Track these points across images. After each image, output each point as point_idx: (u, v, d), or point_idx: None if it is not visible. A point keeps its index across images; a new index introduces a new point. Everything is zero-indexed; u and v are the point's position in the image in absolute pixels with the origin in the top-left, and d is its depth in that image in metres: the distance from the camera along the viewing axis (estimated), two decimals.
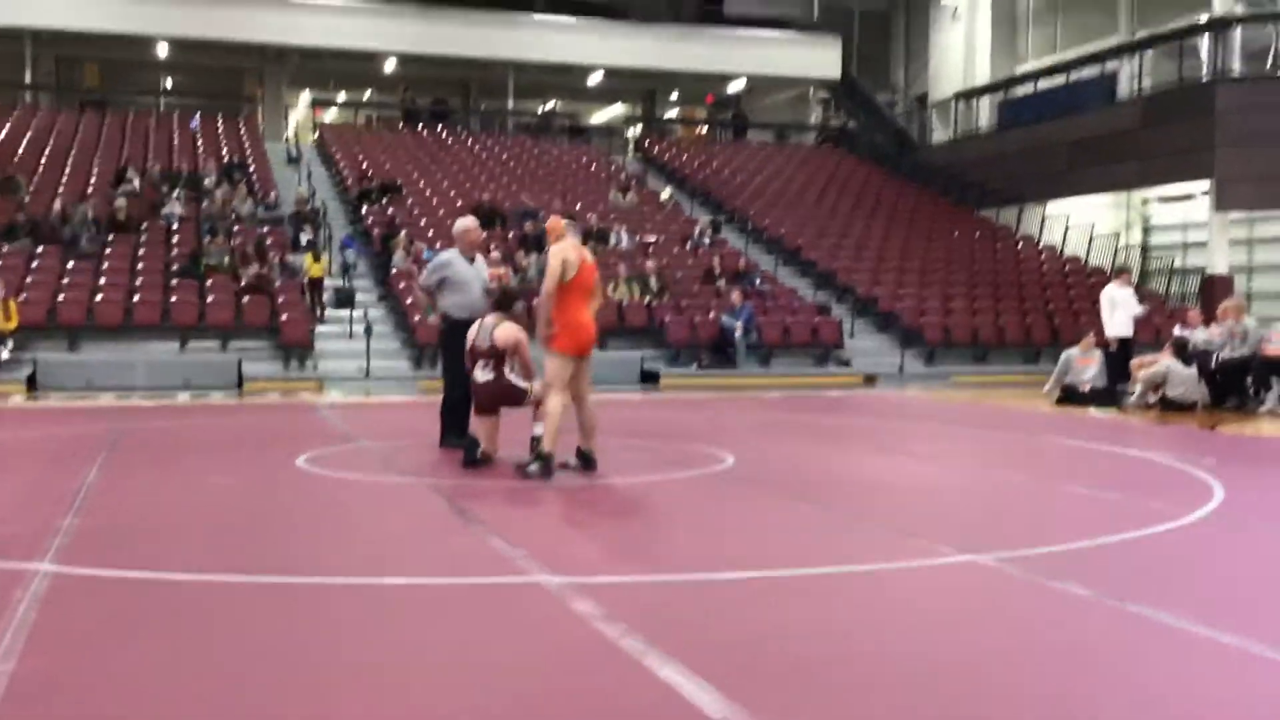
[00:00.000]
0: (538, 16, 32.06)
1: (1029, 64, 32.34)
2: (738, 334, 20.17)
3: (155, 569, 5.08)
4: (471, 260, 9.39)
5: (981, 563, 5.26)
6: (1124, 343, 15.54)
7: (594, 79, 34.18)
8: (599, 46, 32.31)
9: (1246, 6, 26.44)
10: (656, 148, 32.13)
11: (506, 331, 8.11)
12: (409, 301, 19.39)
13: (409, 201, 24.47)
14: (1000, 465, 9.34)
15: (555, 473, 7.78)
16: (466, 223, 9.63)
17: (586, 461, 8.08)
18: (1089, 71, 27.52)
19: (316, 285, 20.29)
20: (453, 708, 3.35)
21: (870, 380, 20.18)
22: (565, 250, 7.83)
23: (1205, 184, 23.72)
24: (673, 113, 38.66)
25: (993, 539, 5.79)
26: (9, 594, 4.53)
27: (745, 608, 4.55)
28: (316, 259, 20.43)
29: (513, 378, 8.20)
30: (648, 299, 21.01)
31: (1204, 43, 24.75)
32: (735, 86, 35.66)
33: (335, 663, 3.77)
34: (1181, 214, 27.26)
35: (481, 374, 8.23)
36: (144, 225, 21.29)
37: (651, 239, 24.07)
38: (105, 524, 6.28)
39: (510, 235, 22.59)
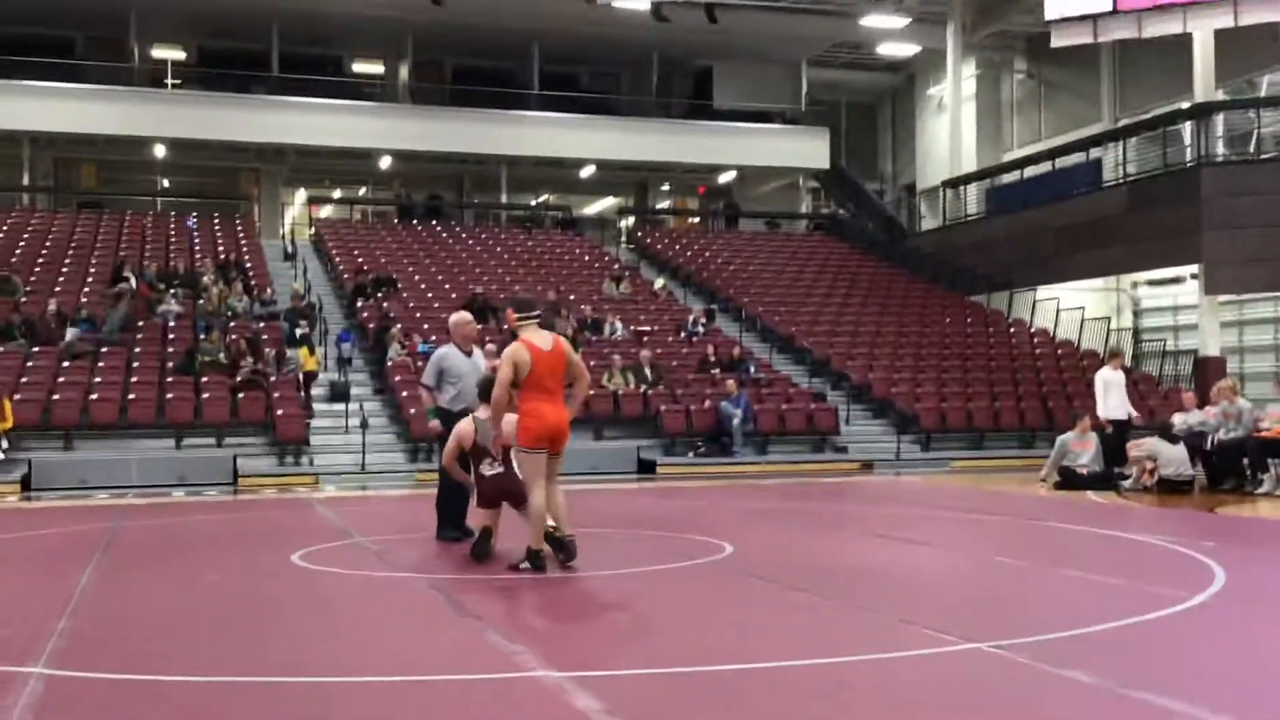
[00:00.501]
0: (530, 113, 32.57)
1: (1015, 152, 32.89)
2: (735, 422, 20.19)
3: (150, 672, 5.03)
4: (469, 354, 9.48)
5: (984, 651, 5.22)
6: (1119, 425, 15.55)
7: (586, 172, 34.63)
8: (591, 141, 32.79)
9: (1227, 92, 26.95)
10: (649, 238, 32.45)
11: (509, 424, 8.07)
12: (404, 395, 19.42)
13: (404, 295, 24.62)
14: (1000, 551, 9.29)
15: (547, 568, 7.72)
16: (460, 316, 9.78)
17: (563, 548, 7.81)
18: (1074, 158, 27.94)
19: (309, 379, 20.34)
20: None
21: (867, 466, 20.16)
22: (516, 351, 7.74)
23: (1194, 268, 23.93)
24: (665, 203, 39.10)
25: (995, 626, 5.75)
26: (2, 699, 4.48)
27: (747, 701, 4.50)
28: (311, 352, 20.50)
29: (519, 472, 8.15)
30: (643, 388, 21.06)
31: (1187, 128, 25.17)
32: (726, 177, 36.13)
33: None
34: (1171, 297, 27.53)
35: (489, 469, 8.22)
36: (140, 324, 21.39)
37: (646, 328, 24.19)
38: (100, 626, 6.23)
39: (504, 328, 22.69)
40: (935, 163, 34.96)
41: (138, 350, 20.49)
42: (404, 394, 19.49)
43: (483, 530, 8.30)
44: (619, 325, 23.81)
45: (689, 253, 30.82)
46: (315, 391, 20.41)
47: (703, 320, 25.12)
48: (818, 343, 24.81)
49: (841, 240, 33.55)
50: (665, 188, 38.21)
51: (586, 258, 29.61)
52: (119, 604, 6.98)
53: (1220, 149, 24.77)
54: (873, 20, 31.71)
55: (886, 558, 9.01)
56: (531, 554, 7.72)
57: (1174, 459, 14.02)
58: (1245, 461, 14.19)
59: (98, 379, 19.23)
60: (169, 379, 19.47)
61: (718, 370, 22.27)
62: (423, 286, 25.51)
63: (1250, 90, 27.28)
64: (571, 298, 24.84)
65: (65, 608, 6.55)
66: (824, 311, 27.02)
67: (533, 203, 35.83)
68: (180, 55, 33.03)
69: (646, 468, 19.51)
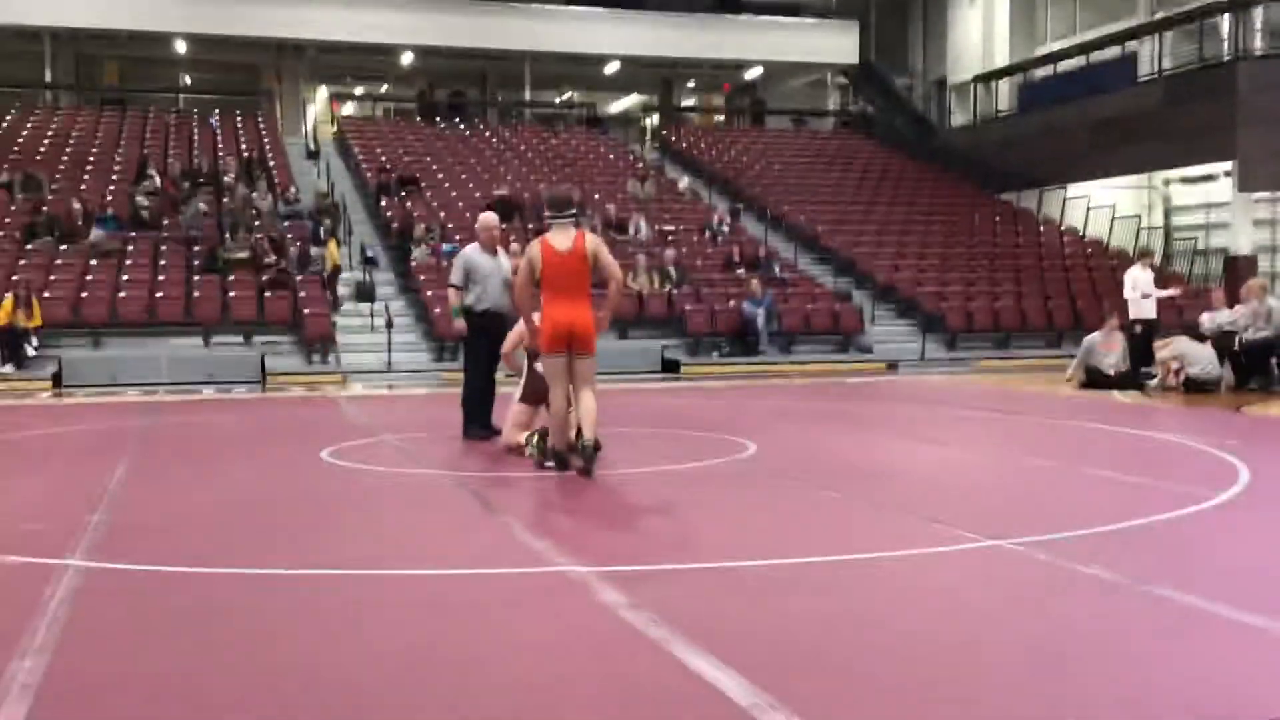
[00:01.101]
0: (554, 7, 32.03)
1: (1048, 46, 32.13)
2: (759, 322, 20.16)
3: (185, 564, 5.12)
4: (494, 254, 9.50)
5: (1007, 548, 5.25)
6: (1147, 325, 15.43)
7: (611, 68, 34.14)
8: (615, 36, 32.27)
9: None
10: (674, 137, 32.09)
11: (519, 331, 8.18)
12: (429, 294, 19.45)
13: (428, 195, 24.51)
14: (1024, 450, 9.31)
15: (571, 467, 7.68)
16: (486, 218, 9.80)
17: (584, 454, 7.56)
18: (1109, 53, 27.33)
19: (334, 276, 20.39)
20: (482, 694, 3.37)
21: (892, 367, 20.15)
22: (530, 249, 7.71)
23: (1228, 165, 23.52)
24: (690, 101, 38.58)
25: (1018, 524, 5.78)
26: (40, 589, 4.58)
27: (771, 596, 4.56)
28: (338, 247, 20.54)
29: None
30: (668, 288, 21.01)
31: (1224, 22, 24.54)
32: (752, 73, 35.56)
33: (367, 652, 3.80)
34: (1204, 195, 27.07)
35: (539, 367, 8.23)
36: (165, 222, 21.42)
37: (670, 228, 24.05)
38: (134, 519, 6.34)
39: (529, 227, 22.60)
40: (966, 57, 34.25)
41: (164, 249, 20.55)
42: (428, 294, 19.52)
43: (540, 431, 8.31)
44: (644, 225, 23.68)
45: (714, 151, 30.49)
46: (341, 291, 20.47)
47: (727, 220, 24.95)
48: (844, 242, 24.63)
49: (869, 138, 33.10)
50: (690, 85, 37.65)
51: (611, 157, 29.35)
52: (153, 499, 7.10)
53: (1258, 43, 24.16)
54: None
55: (911, 457, 9.05)
56: (555, 454, 7.76)
57: (1201, 358, 13.94)
58: (1273, 361, 14.10)
59: (125, 277, 19.34)
60: (195, 277, 19.55)
61: (742, 270, 22.17)
62: (446, 186, 25.39)
63: None
64: (596, 197, 24.68)
65: (99, 503, 6.66)
66: (850, 211, 26.77)
67: (557, 100, 35.40)
68: None
69: (671, 367, 19.57)
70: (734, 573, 4.93)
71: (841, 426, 11.46)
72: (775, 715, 3.11)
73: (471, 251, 9.52)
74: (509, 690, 3.44)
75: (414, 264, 20.91)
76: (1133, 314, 15.50)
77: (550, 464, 7.80)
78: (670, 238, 23.40)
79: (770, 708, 3.16)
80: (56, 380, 17.00)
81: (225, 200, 22.78)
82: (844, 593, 4.61)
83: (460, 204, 23.76)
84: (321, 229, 21.86)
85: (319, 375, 18.04)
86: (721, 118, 37.35)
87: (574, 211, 7.98)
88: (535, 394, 8.34)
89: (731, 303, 20.69)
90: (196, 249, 20.56)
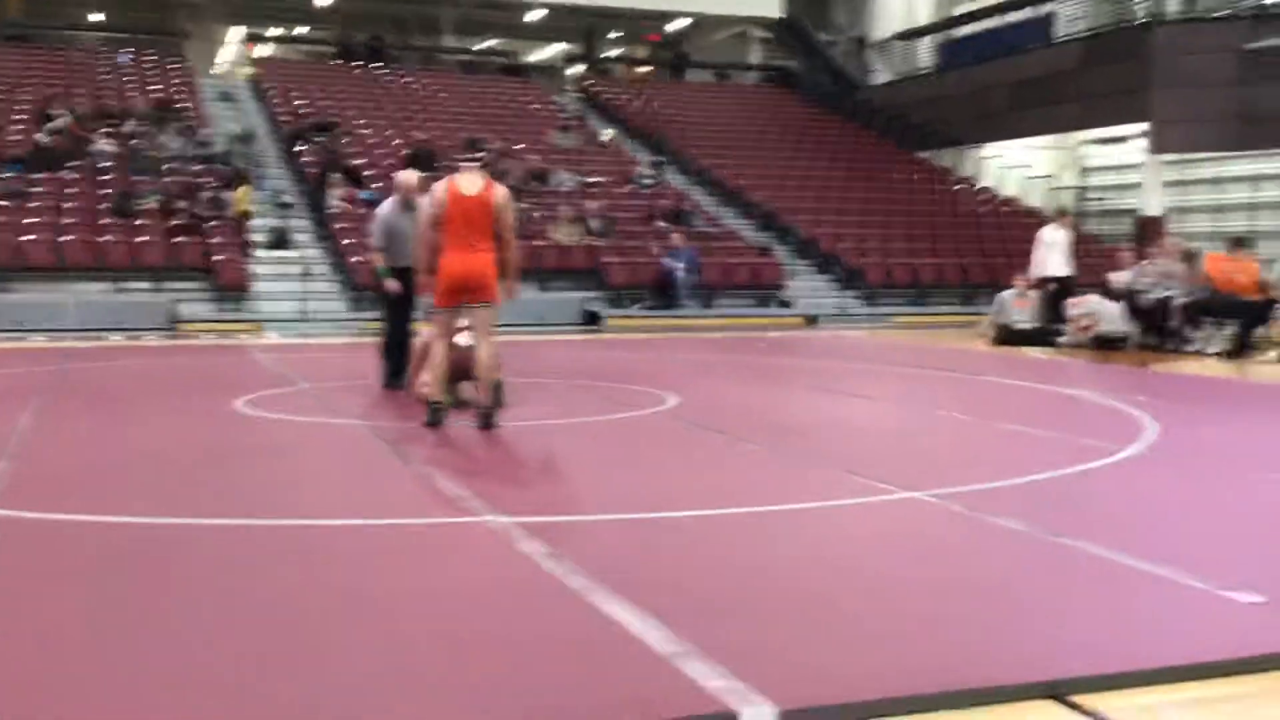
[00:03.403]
0: None
1: (968, 4, 32.37)
2: (680, 275, 20.18)
3: (93, 513, 5.01)
4: (411, 210, 9.48)
5: (922, 499, 5.34)
6: (1060, 283, 15.73)
7: (533, 16, 33.72)
8: None
9: None
10: (597, 87, 31.84)
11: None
12: (344, 243, 19.16)
13: (344, 140, 24.07)
14: (939, 404, 9.46)
15: (441, 419, 7.47)
16: (403, 177, 9.82)
17: (478, 413, 7.46)
18: (1027, 12, 27.61)
19: (241, 222, 19.95)
20: (401, 644, 3.35)
21: (811, 321, 20.32)
22: (436, 187, 7.52)
23: (1141, 126, 23.96)
24: (614, 52, 38.27)
25: (932, 476, 5.87)
26: None
27: (690, 545, 4.59)
28: (250, 191, 20.11)
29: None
30: (589, 240, 20.91)
31: None
32: (676, 25, 35.35)
33: (280, 604, 3.75)
34: (1116, 156, 27.59)
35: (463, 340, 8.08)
36: (72, 163, 20.78)
37: (593, 180, 23.92)
38: (41, 468, 6.18)
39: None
40: (888, 14, 34.40)
41: (70, 191, 19.95)
42: (344, 242, 19.23)
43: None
44: (565, 176, 23.51)
45: (637, 103, 30.32)
46: (256, 238, 20.07)
47: (650, 172, 24.87)
48: (765, 197, 24.70)
49: (792, 93, 33.14)
50: (614, 35, 37.34)
51: (534, 106, 29.03)
52: (59, 446, 6.93)
53: (1173, 6, 24.57)
54: None
55: (830, 411, 9.14)
56: (430, 404, 7.52)
57: (1111, 316, 14.25)
58: (1179, 320, 14.45)
59: (30, 220, 18.74)
60: (103, 221, 19.02)
61: (664, 223, 22.15)
62: (365, 132, 24.95)
63: None
64: (517, 147, 24.43)
65: (3, 450, 6.48)
66: (772, 165, 26.84)
67: (477, 48, 34.91)
68: None
69: (592, 320, 19.52)
70: (654, 523, 4.95)
71: (761, 380, 11.54)
72: (696, 663, 3.13)
73: (388, 212, 9.52)
74: (429, 641, 3.42)
75: (330, 211, 20.54)
76: (1043, 271, 15.78)
77: (427, 418, 7.48)
78: (592, 189, 23.27)
79: (690, 656, 3.18)
80: None
81: (134, 142, 22.15)
82: (765, 543, 4.65)
83: (378, 150, 23.37)
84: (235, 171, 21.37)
85: (233, 323, 17.70)
86: (646, 69, 37.11)
87: (482, 155, 7.88)
88: (453, 372, 8.20)
89: (653, 255, 20.68)
90: (105, 192, 19.99)
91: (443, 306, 7.48)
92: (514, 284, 7.68)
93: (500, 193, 7.52)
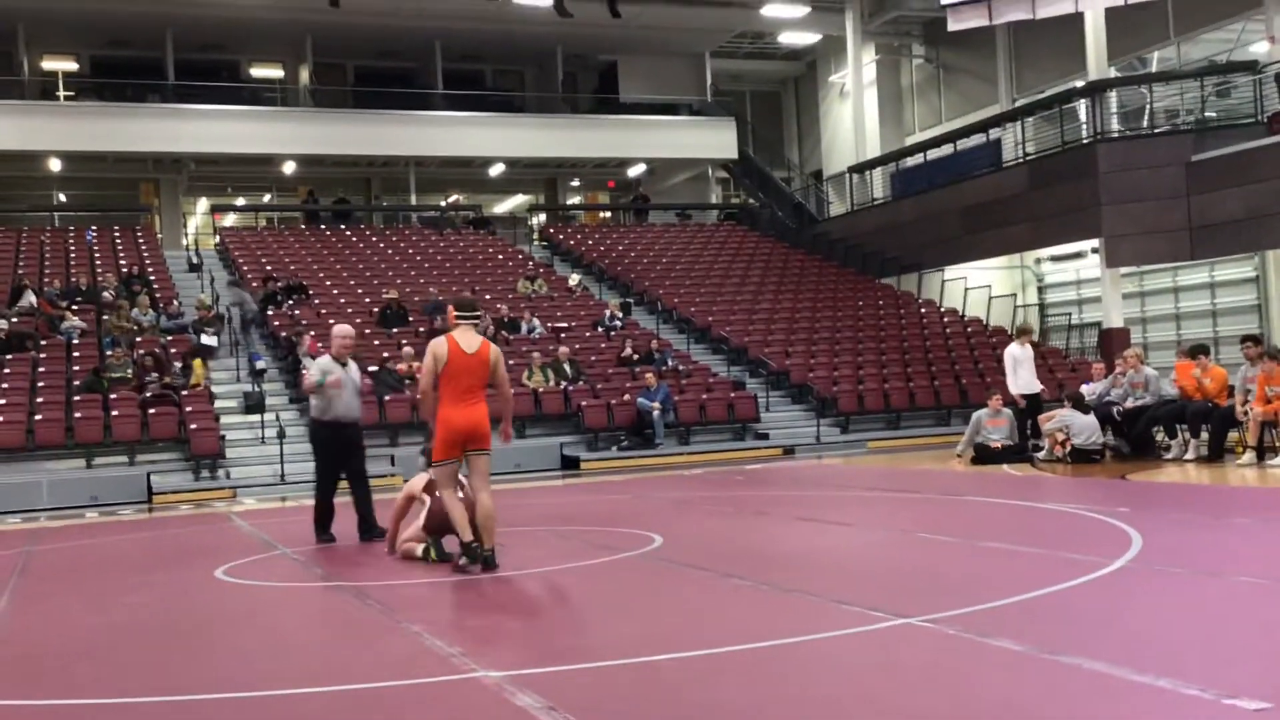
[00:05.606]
0: (435, 113, 32.27)
1: (917, 135, 33.37)
2: (655, 414, 20.25)
3: (73, 696, 4.90)
4: (344, 365, 9.71)
5: (917, 625, 5.30)
6: (1031, 399, 15.89)
7: (495, 170, 34.44)
8: (498, 139, 32.61)
9: (1119, 69, 27.63)
10: (561, 234, 32.38)
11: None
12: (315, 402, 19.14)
13: (315, 302, 24.27)
14: (922, 527, 9.44)
15: (486, 561, 7.72)
16: (341, 329, 10.25)
17: (485, 559, 7.75)
18: (975, 139, 28.43)
19: (198, 389, 19.96)
20: None
21: (789, 451, 20.35)
22: (436, 344, 7.93)
23: (1095, 241, 24.48)
24: (575, 199, 39.09)
25: (924, 601, 5.84)
26: None
27: (686, 688, 4.53)
28: (203, 365, 20.20)
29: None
30: (563, 385, 21.02)
31: (1082, 106, 25.75)
32: (635, 170, 36.19)
33: None
34: (1074, 271, 28.16)
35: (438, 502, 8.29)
36: (43, 343, 20.81)
37: (563, 325, 24.15)
38: (19, 652, 6.05)
39: (420, 331, 22.50)
40: (840, 149, 35.39)
41: (42, 370, 19.94)
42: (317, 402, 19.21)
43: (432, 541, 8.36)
44: (536, 323, 23.74)
45: (602, 247, 30.82)
46: (230, 404, 20.04)
47: (619, 314, 25.15)
48: (734, 331, 24.97)
49: (752, 229, 33.79)
50: (575, 183, 38.17)
51: (500, 256, 29.45)
52: (37, 629, 6.80)
53: (1115, 125, 25.38)
54: (773, 10, 32.04)
55: (814, 540, 9.11)
56: (464, 547, 7.79)
57: (1085, 428, 14.36)
58: (1154, 428, 14.58)
59: (2, 400, 18.68)
60: (76, 398, 18.97)
61: (637, 364, 22.31)
62: (335, 292, 25.18)
63: (1141, 66, 27.98)
64: (487, 297, 24.69)
65: None
66: (739, 300, 27.20)
67: (442, 203, 35.57)
68: (72, 66, 32.10)
69: (570, 464, 19.50)
70: (650, 667, 4.89)
71: (744, 514, 11.51)
72: None
73: (326, 361, 9.84)
74: None
75: (304, 373, 20.56)
76: (1014, 390, 15.94)
77: (464, 560, 7.76)
78: (563, 334, 23.48)
79: None
80: None
81: (105, 318, 22.24)
82: (760, 680, 4.60)
83: (350, 309, 23.55)
84: (204, 337, 21.43)
85: (209, 491, 17.56)
86: (608, 214, 37.84)
87: (479, 314, 8.21)
88: (438, 525, 8.30)
89: (627, 396, 20.78)
90: (76, 369, 19.98)
91: (447, 459, 7.84)
92: (509, 430, 8.28)
93: (494, 351, 8.04)
